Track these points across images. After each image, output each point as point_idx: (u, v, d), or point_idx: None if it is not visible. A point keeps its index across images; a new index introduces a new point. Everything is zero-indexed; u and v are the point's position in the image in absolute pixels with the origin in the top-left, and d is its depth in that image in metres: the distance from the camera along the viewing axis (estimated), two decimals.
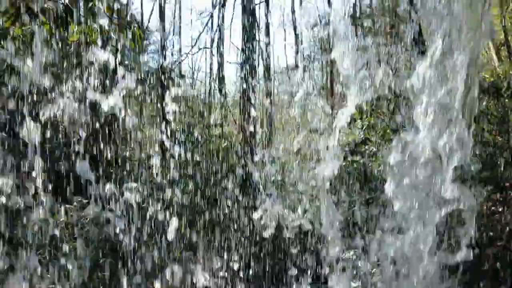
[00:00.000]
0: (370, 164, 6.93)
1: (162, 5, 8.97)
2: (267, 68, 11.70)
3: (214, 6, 9.57)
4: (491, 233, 5.55)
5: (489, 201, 5.73)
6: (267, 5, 12.56)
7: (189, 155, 6.88)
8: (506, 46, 7.94)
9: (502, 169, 5.62)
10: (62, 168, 4.18)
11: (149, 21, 13.00)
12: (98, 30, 4.18)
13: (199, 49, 12.09)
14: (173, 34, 12.50)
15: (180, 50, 11.53)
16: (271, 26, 14.47)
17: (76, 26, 4.23)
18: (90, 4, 4.03)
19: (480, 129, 5.68)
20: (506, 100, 5.99)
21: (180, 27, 12.42)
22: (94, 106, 4.27)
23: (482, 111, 5.70)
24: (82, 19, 4.39)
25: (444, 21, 1.93)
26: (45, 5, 4.08)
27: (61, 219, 4.36)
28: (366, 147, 6.77)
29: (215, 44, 10.23)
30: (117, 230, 4.04)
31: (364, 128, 6.79)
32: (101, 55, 3.73)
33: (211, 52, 10.79)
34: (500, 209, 5.90)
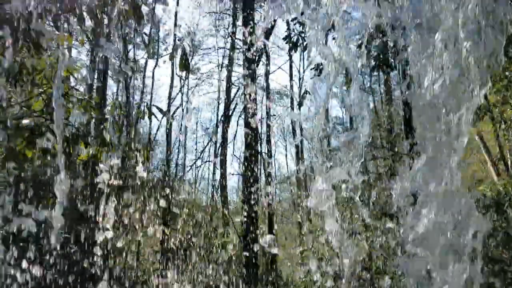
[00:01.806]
0: (377, 280, 6.74)
1: (170, 120, 9.43)
2: (268, 177, 11.88)
3: (218, 122, 10.07)
4: None
5: None
6: (268, 118, 13.18)
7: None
8: (503, 161, 8.13)
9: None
10: None
11: (156, 134, 13.57)
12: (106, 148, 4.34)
13: (203, 162, 12.48)
14: (178, 146, 12.94)
15: (184, 162, 11.88)
16: (272, 138, 14.98)
17: (85, 145, 4.40)
18: (102, 127, 4.24)
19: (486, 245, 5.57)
20: (510, 215, 5.96)
21: (185, 140, 12.93)
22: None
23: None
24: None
25: None
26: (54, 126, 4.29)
27: None
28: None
29: (218, 155, 10.57)
30: None
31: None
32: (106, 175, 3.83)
33: (214, 164, 11.11)
34: None
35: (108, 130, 4.15)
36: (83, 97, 4.99)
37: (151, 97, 14.64)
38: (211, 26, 16.22)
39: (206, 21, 16.13)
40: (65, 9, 3.61)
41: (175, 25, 13.05)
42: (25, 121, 3.89)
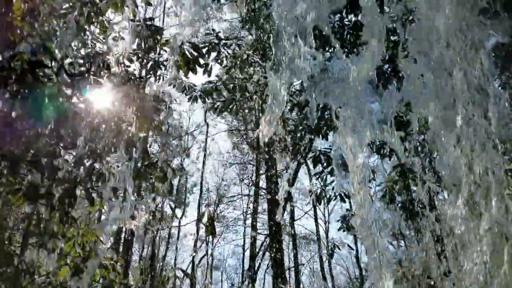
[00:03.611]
0: None
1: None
2: None
3: (244, 279, 9.75)
4: None
5: None
6: (296, 266, 12.75)
7: None
8: None
9: None
10: None
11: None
12: None
13: None
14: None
15: None
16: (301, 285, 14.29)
17: None
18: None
19: None
20: None
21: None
22: None
23: None
24: None
25: None
26: None
27: None
28: None
29: None
30: None
31: None
32: None
33: None
34: None
35: None
36: (109, 262, 5.01)
37: (176, 247, 14.55)
38: (235, 175, 16.82)
39: (230, 171, 16.84)
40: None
41: (202, 178, 13.64)
42: None
